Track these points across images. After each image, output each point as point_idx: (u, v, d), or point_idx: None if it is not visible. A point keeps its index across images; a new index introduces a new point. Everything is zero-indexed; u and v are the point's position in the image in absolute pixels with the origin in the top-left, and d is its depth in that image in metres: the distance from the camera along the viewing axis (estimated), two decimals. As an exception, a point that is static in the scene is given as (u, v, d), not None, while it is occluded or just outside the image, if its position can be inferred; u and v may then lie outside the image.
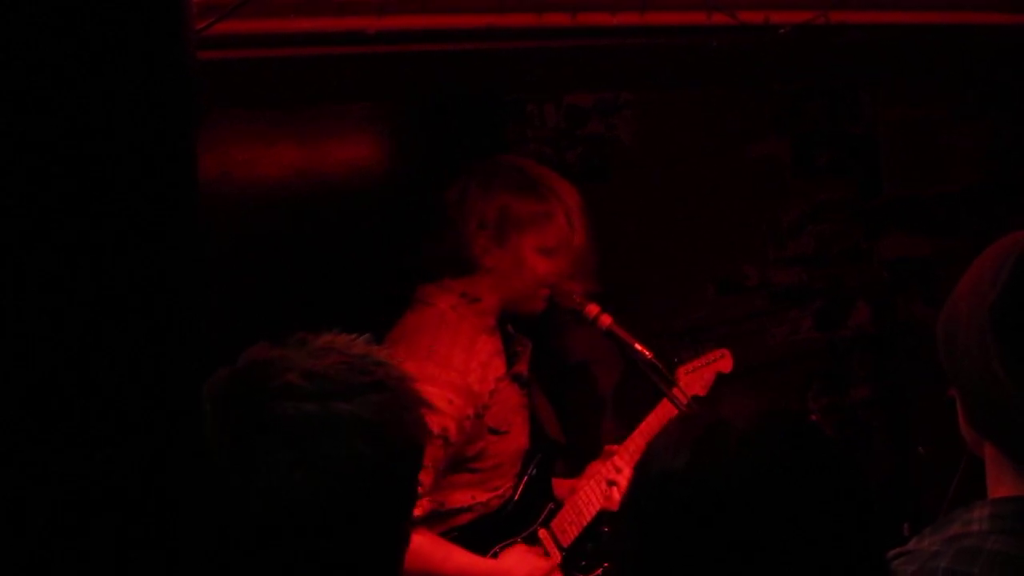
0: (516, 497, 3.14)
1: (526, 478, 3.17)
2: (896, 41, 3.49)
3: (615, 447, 3.21)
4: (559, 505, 3.20)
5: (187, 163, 1.01)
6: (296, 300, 3.14)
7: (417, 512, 2.76)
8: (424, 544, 2.81)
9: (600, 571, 3.26)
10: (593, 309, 3.02)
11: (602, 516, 3.19)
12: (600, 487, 3.17)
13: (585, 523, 3.17)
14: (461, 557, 2.92)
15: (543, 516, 3.18)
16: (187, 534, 1.00)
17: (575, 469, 3.33)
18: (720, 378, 3.51)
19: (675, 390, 3.00)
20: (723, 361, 3.55)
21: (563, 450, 3.39)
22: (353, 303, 2.94)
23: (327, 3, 2.52)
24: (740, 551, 1.29)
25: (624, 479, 3.07)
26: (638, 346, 2.98)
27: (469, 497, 3.02)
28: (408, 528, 1.49)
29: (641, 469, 1.41)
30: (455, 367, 2.89)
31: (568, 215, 3.02)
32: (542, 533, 3.17)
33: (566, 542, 3.17)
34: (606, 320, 3.01)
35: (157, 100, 0.97)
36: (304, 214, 3.34)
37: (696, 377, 3.46)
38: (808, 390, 4.35)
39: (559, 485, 3.27)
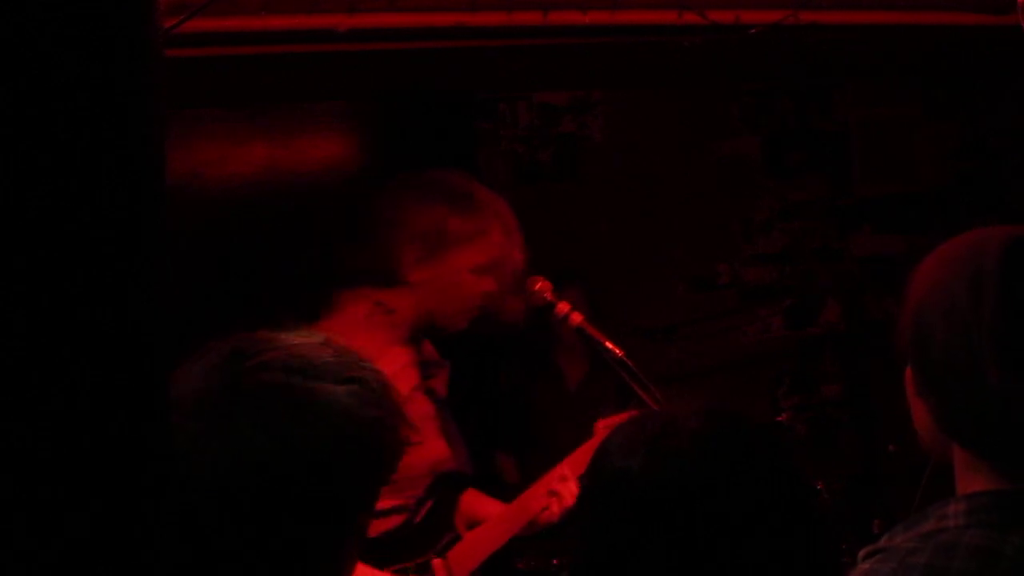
0: (416, 520, 2.96)
1: (430, 503, 2.98)
2: (867, 41, 3.50)
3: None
4: (458, 537, 2.98)
5: (155, 162, 1.00)
6: (265, 298, 3.12)
7: None
8: None
9: None
10: (564, 307, 3.01)
11: (500, 552, 2.95)
12: (512, 520, 2.93)
13: (483, 558, 2.93)
14: (364, 569, 2.79)
15: (441, 544, 2.99)
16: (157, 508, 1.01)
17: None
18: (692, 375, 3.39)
19: (649, 387, 2.97)
20: None
21: (468, 481, 3.14)
22: (312, 301, 2.89)
23: (297, 1, 2.51)
24: (695, 547, 1.30)
25: (567, 489, 2.94)
26: (609, 344, 2.97)
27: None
28: (357, 531, 1.51)
29: (595, 470, 1.42)
30: None
31: (505, 231, 2.95)
32: (436, 562, 2.97)
33: (461, 575, 2.96)
34: (576, 318, 2.99)
35: (123, 98, 0.96)
36: (274, 211, 3.33)
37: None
38: (779, 388, 4.37)
39: (492, 505, 3.05)
